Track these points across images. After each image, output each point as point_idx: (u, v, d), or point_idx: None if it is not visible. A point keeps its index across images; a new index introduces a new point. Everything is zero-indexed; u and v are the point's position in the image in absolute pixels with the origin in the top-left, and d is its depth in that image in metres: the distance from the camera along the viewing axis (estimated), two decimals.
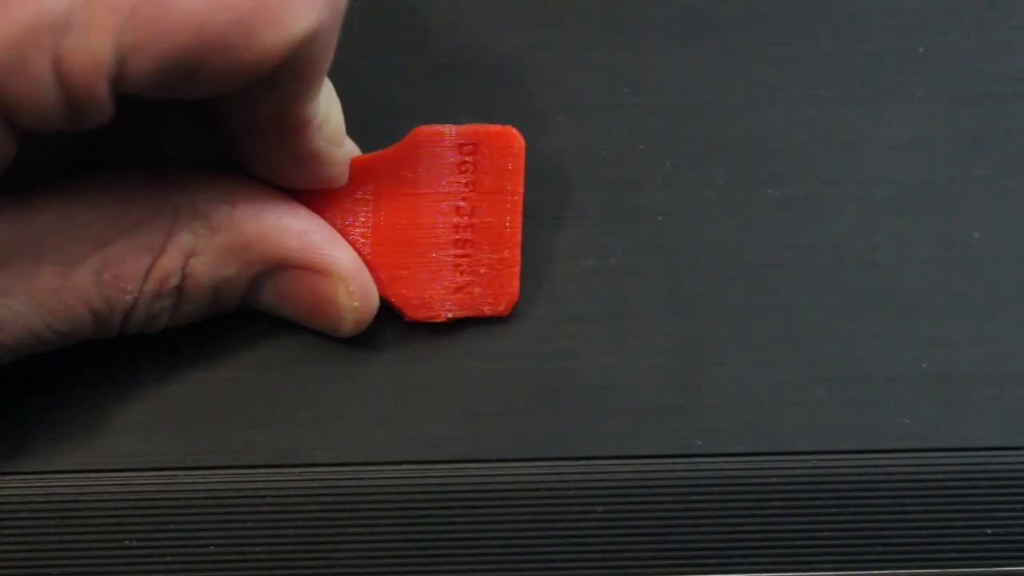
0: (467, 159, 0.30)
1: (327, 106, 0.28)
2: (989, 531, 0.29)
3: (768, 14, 0.33)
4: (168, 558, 0.29)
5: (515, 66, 0.32)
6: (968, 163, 0.32)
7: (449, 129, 0.30)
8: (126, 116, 0.26)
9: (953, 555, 0.29)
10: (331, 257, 0.29)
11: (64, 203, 0.27)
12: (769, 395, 0.30)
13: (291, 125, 0.27)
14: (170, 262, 0.28)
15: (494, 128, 0.30)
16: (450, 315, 0.30)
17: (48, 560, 0.29)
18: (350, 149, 0.30)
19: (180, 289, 0.28)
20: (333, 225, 0.30)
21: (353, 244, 0.30)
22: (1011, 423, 0.30)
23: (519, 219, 0.30)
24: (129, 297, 0.28)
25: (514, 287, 0.30)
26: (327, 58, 0.26)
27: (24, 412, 0.30)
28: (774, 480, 0.30)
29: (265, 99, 0.26)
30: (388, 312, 0.31)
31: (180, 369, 0.30)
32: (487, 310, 0.30)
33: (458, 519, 0.30)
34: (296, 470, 0.30)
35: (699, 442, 0.30)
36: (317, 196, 0.30)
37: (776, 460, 0.30)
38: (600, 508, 0.30)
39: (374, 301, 0.30)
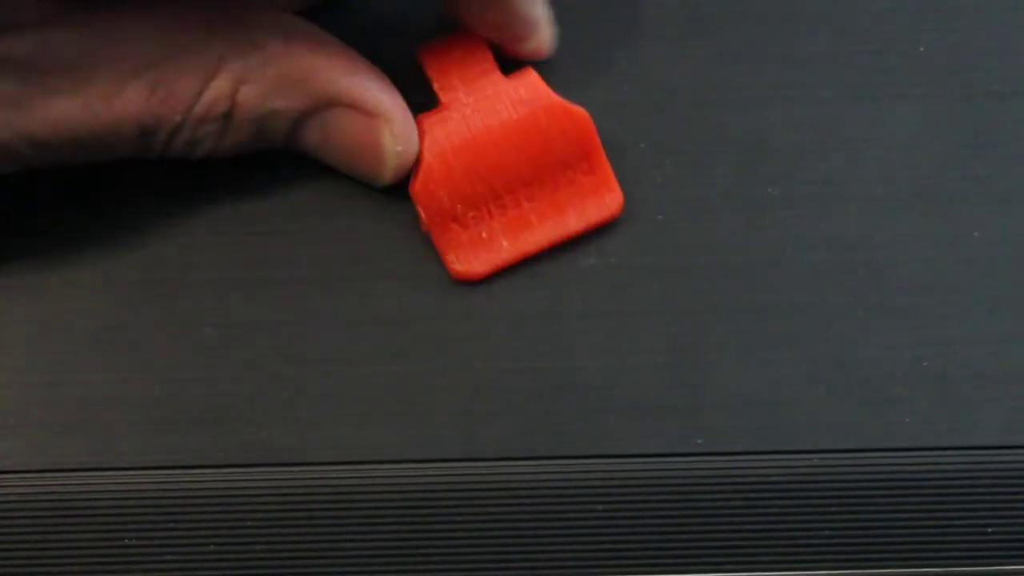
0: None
1: None
2: (989, 531, 0.29)
3: (768, 14, 0.33)
4: (168, 558, 0.29)
5: (515, 66, 0.32)
6: (968, 163, 0.32)
7: None
8: None
9: (953, 555, 0.29)
10: (379, 98, 0.30)
11: (126, 18, 0.28)
12: (769, 394, 0.30)
13: None
14: (221, 86, 0.28)
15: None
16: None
17: (48, 560, 0.29)
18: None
19: (227, 117, 0.29)
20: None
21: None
22: (1011, 423, 0.30)
23: None
24: (178, 117, 0.28)
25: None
26: None
27: (24, 411, 0.30)
28: (774, 479, 0.30)
29: None
30: (388, 312, 0.31)
31: (180, 369, 0.30)
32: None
33: (458, 519, 0.30)
34: (296, 470, 0.30)
35: (699, 441, 0.30)
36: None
37: (776, 459, 0.30)
38: (600, 507, 0.29)
39: (415, 148, 0.30)
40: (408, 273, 0.31)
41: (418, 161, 0.30)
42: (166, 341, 0.30)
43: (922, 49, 0.33)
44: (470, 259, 0.31)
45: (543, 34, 0.31)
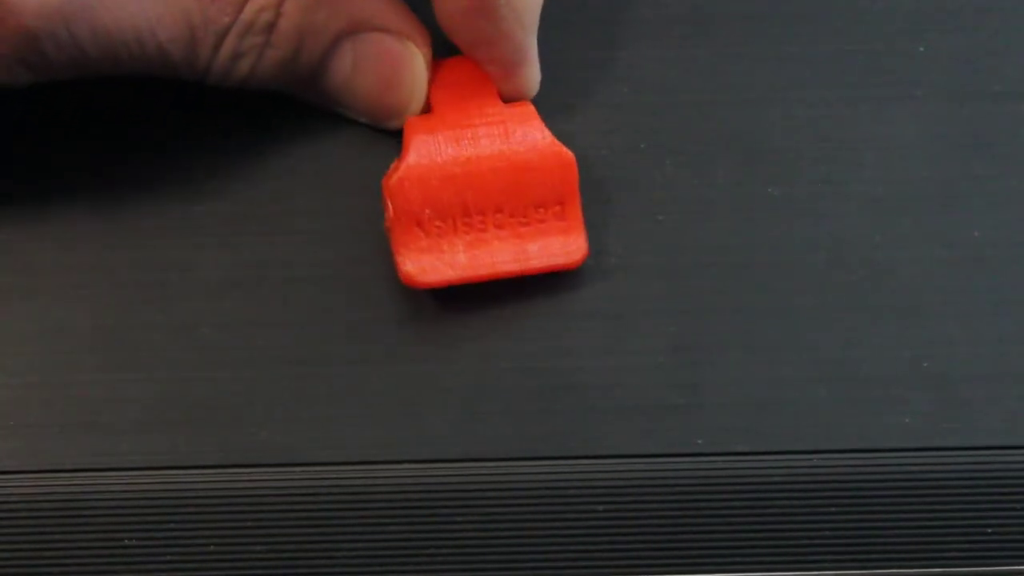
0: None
1: None
2: (989, 531, 0.29)
3: (768, 14, 0.33)
4: (168, 558, 0.29)
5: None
6: (968, 163, 0.32)
7: None
8: None
9: (953, 555, 0.29)
10: (415, 24, 0.31)
11: None
12: (769, 395, 0.30)
13: None
14: None
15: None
16: None
17: (48, 560, 0.29)
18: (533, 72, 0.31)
19: (271, 28, 0.29)
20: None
21: None
22: (1011, 423, 0.30)
23: None
24: (227, 19, 0.29)
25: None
26: None
27: (25, 411, 0.30)
28: (775, 479, 0.30)
29: None
30: (388, 311, 0.31)
31: (180, 369, 0.30)
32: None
33: (458, 519, 0.30)
34: (296, 470, 0.30)
35: (699, 441, 0.30)
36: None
37: (776, 459, 0.30)
38: (601, 507, 0.29)
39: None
40: None
41: (400, 159, 0.30)
42: (166, 341, 0.30)
43: (922, 49, 0.33)
44: (423, 266, 0.30)
45: (529, 72, 0.31)
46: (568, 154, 0.30)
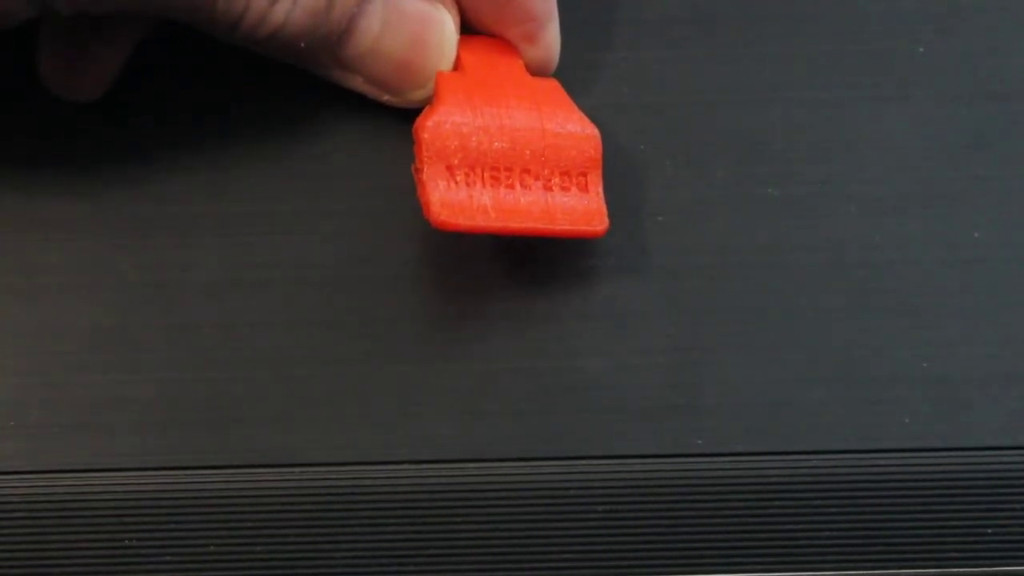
0: None
1: None
2: (989, 531, 0.29)
3: (768, 14, 0.33)
4: (168, 558, 0.29)
5: None
6: (968, 163, 0.32)
7: None
8: None
9: (953, 555, 0.29)
10: None
11: None
12: (769, 395, 0.30)
13: None
14: None
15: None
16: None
17: (48, 560, 0.29)
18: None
19: None
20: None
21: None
22: (1011, 423, 0.30)
23: None
24: None
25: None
26: None
27: (24, 411, 0.30)
28: (774, 480, 0.30)
29: None
30: (388, 312, 0.31)
31: (180, 369, 0.30)
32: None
33: (458, 519, 0.30)
34: (296, 470, 0.30)
35: (699, 442, 0.30)
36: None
37: (776, 460, 0.30)
38: (600, 508, 0.29)
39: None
40: (408, 273, 0.31)
41: (433, 105, 0.30)
42: (166, 341, 0.30)
43: (922, 49, 0.33)
44: (454, 208, 0.29)
45: (553, 34, 0.31)
46: (593, 129, 0.30)
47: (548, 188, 0.30)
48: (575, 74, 0.33)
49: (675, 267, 0.31)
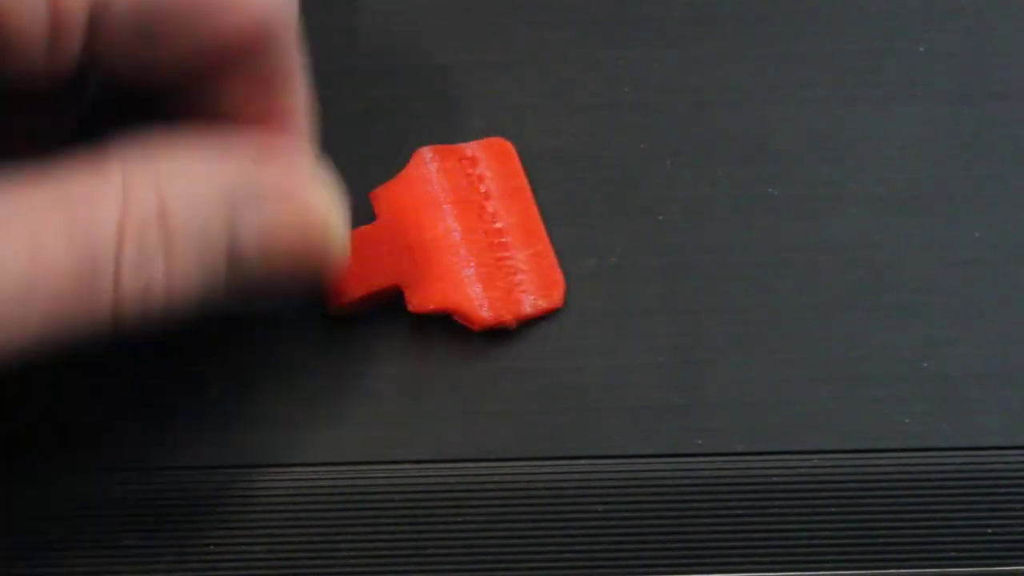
0: (471, 171, 0.31)
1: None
2: (989, 531, 0.29)
3: (768, 14, 0.33)
4: (168, 558, 0.29)
5: (516, 66, 0.32)
6: (968, 163, 0.32)
7: (447, 147, 0.31)
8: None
9: (953, 555, 0.29)
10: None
11: None
12: (769, 395, 0.30)
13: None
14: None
15: (485, 141, 0.31)
16: (512, 320, 0.30)
17: (48, 560, 0.29)
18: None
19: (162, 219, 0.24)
20: (376, 259, 0.30)
21: (403, 267, 0.30)
22: (1012, 423, 0.30)
23: (536, 213, 0.31)
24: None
25: (558, 275, 0.31)
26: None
27: (24, 412, 0.30)
28: (774, 480, 0.30)
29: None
30: (388, 312, 0.31)
31: (180, 369, 0.30)
32: (543, 303, 0.31)
33: (458, 519, 0.29)
34: (296, 470, 0.30)
35: (699, 442, 0.30)
36: (355, 237, 0.29)
37: (776, 460, 0.30)
38: (600, 508, 0.29)
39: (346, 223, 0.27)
40: None
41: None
42: (167, 341, 0.30)
43: (922, 49, 0.33)
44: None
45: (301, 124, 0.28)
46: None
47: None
48: (575, 74, 0.33)
49: (675, 267, 0.31)
